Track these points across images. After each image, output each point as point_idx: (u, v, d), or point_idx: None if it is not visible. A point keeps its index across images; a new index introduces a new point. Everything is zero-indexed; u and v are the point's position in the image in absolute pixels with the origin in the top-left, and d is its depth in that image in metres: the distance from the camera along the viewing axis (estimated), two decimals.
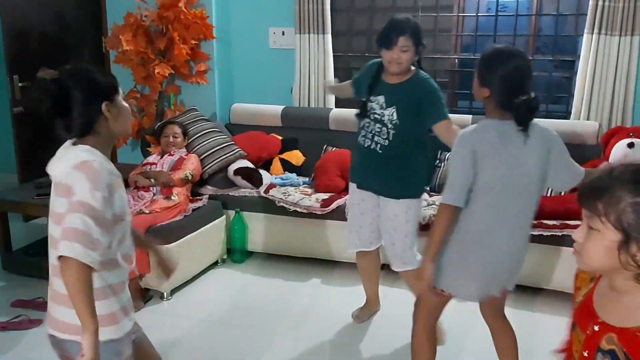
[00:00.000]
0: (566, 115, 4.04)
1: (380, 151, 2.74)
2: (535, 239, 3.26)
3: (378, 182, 2.82)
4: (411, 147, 2.74)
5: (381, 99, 2.73)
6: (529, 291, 3.36)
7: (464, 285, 2.18)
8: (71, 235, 1.49)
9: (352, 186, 2.96)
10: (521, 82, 2.02)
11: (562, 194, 3.45)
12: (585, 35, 3.75)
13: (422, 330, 2.33)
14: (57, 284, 1.64)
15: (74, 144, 1.66)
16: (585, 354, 1.24)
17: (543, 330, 3.02)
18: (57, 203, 1.63)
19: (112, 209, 1.60)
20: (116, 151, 5.03)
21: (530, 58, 4.16)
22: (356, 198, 2.93)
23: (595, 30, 3.69)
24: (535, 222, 3.29)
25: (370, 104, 2.76)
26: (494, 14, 4.18)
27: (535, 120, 2.09)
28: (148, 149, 4.36)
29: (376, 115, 2.74)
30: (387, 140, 2.72)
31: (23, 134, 4.47)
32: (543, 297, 3.36)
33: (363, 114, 2.79)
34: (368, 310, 3.23)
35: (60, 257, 1.49)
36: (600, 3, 3.62)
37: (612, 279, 1.20)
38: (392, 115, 2.69)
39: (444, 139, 2.64)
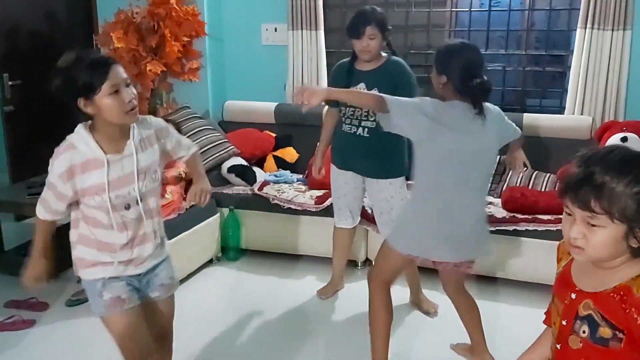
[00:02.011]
0: (560, 110, 4.04)
1: (368, 135, 2.93)
2: (530, 234, 3.29)
3: (367, 165, 3.03)
4: None
5: (362, 85, 2.92)
6: (526, 286, 3.37)
7: (427, 246, 2.34)
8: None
9: (334, 168, 3.17)
10: (474, 69, 2.24)
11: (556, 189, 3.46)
12: (578, 30, 3.76)
13: (377, 294, 2.45)
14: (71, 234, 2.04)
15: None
16: (564, 323, 1.29)
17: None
18: None
19: (73, 186, 1.84)
20: None
21: (524, 53, 4.17)
22: (340, 180, 3.16)
23: (588, 25, 3.69)
24: (529, 217, 3.34)
25: None
26: (487, 9, 4.18)
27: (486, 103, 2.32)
28: None
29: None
30: (374, 122, 2.87)
31: (14, 133, 4.44)
32: (541, 291, 3.36)
33: (346, 103, 2.92)
34: (333, 287, 3.43)
35: None
36: None
37: (605, 267, 1.23)
38: None
39: None
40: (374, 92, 2.86)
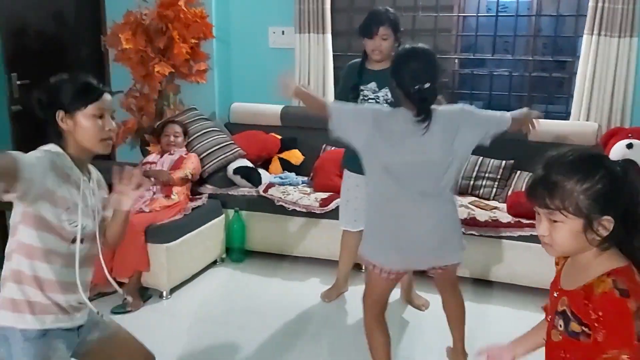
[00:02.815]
0: (565, 116, 4.05)
1: None
2: (535, 239, 3.28)
3: None
4: None
5: (372, 85, 2.95)
6: (531, 291, 3.37)
7: (387, 255, 2.31)
8: None
9: (347, 172, 3.17)
10: (417, 75, 2.19)
11: None
12: (585, 36, 3.77)
13: (369, 318, 2.44)
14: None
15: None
16: (549, 319, 1.42)
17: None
18: None
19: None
20: (115, 150, 5.02)
21: (530, 58, 4.17)
22: (351, 183, 3.11)
23: (595, 32, 3.70)
24: (526, 222, 3.33)
25: (362, 92, 2.95)
26: (494, 14, 4.19)
27: (440, 108, 2.28)
28: (147, 148, 4.36)
29: (371, 99, 2.93)
30: None
31: (21, 133, 4.46)
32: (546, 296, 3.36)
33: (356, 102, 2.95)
34: (336, 290, 3.43)
35: None
36: (599, 4, 3.63)
37: (577, 256, 1.34)
38: (386, 95, 2.92)
39: None
40: (373, 92, 2.92)
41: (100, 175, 1.90)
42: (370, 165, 2.29)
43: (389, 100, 2.89)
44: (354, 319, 3.19)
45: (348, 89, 3.00)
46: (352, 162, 3.03)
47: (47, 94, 1.74)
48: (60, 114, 1.71)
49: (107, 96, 1.77)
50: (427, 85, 2.18)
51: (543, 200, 1.27)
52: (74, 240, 1.71)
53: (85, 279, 1.79)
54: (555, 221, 1.28)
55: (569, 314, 1.32)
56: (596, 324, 1.24)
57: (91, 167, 1.86)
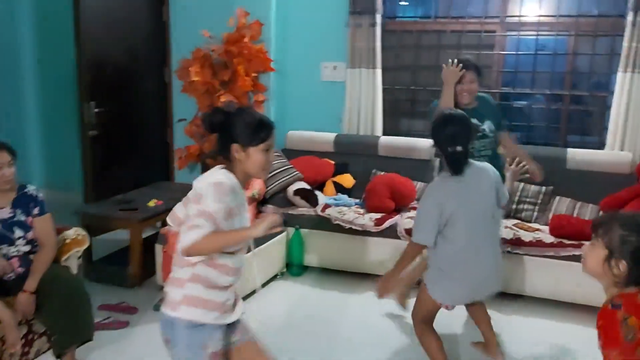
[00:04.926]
0: (600, 146, 4.35)
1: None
2: (577, 259, 3.55)
3: None
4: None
5: (475, 120, 3.18)
6: (572, 307, 3.63)
7: (454, 295, 2.73)
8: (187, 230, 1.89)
9: None
10: (453, 140, 2.59)
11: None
12: (619, 74, 4.10)
13: (421, 331, 2.82)
14: (172, 272, 2.04)
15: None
16: None
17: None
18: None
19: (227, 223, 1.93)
20: (173, 172, 5.42)
21: (567, 93, 4.51)
22: None
23: (629, 69, 4.04)
24: (575, 242, 3.61)
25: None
26: (533, 52, 4.55)
27: (477, 163, 2.72)
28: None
29: (479, 133, 3.25)
30: (490, 150, 3.30)
31: (94, 156, 4.86)
32: (589, 312, 3.60)
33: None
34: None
35: (183, 251, 1.89)
36: (633, 45, 3.98)
37: (602, 284, 1.77)
38: (490, 125, 3.31)
39: (505, 148, 3.34)
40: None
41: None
42: (448, 226, 2.61)
43: (492, 130, 3.32)
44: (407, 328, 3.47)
45: None
46: None
47: (222, 126, 1.99)
48: (234, 147, 1.97)
49: (274, 132, 2.03)
50: (457, 148, 2.58)
51: (595, 228, 1.75)
52: (237, 250, 2.02)
53: (238, 283, 2.10)
54: (593, 245, 1.74)
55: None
56: (599, 332, 1.68)
57: (253, 182, 2.18)
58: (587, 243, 1.79)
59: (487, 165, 2.79)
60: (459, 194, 2.62)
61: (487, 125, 3.32)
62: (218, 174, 1.97)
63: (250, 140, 1.98)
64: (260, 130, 1.99)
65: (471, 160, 2.67)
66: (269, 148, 2.02)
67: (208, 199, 1.88)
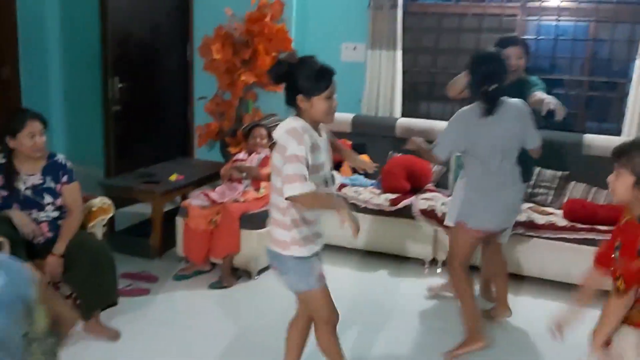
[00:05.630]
0: (618, 132, 4.36)
1: None
2: (589, 242, 3.60)
3: None
4: None
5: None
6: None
7: (487, 219, 2.92)
8: (289, 179, 2.10)
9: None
10: (490, 78, 2.76)
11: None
12: (637, 61, 4.11)
13: (458, 278, 2.99)
14: (274, 214, 2.29)
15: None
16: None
17: None
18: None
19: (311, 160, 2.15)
20: (193, 148, 5.51)
21: (586, 79, 4.52)
22: None
23: None
24: (588, 226, 3.66)
25: None
26: (553, 37, 4.55)
27: (509, 100, 2.85)
28: (227, 149, 4.82)
29: None
30: None
31: (116, 131, 4.96)
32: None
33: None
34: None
35: (287, 197, 2.11)
36: None
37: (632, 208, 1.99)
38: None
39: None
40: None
41: (330, 134, 2.43)
42: (473, 156, 2.85)
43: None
44: (421, 307, 3.56)
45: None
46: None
47: (286, 77, 2.18)
48: (299, 97, 2.17)
49: (334, 80, 2.19)
50: (493, 86, 2.73)
51: (617, 157, 1.97)
52: (325, 184, 2.25)
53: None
54: (618, 173, 1.96)
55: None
56: (620, 243, 1.91)
57: (322, 127, 2.32)
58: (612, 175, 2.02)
59: (519, 103, 2.89)
60: (482, 125, 2.79)
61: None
62: (289, 122, 2.20)
63: (312, 91, 2.15)
64: (321, 80, 2.16)
65: (504, 98, 2.82)
66: (331, 95, 2.19)
67: (292, 144, 2.11)
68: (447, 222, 3.49)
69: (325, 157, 2.26)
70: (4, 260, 1.51)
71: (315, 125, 2.24)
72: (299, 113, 2.23)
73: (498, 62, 2.83)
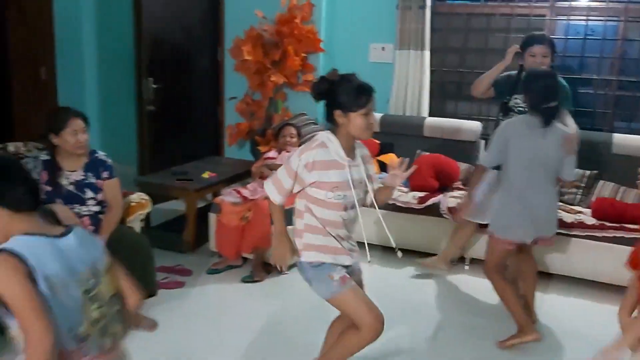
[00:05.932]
0: None
1: None
2: (617, 241, 3.62)
3: None
4: None
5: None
6: (611, 288, 3.69)
7: (515, 230, 2.99)
8: (273, 180, 2.32)
9: None
10: (546, 96, 2.87)
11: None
12: None
13: (494, 280, 3.08)
14: (295, 222, 2.40)
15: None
16: None
17: None
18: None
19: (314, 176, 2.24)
20: (223, 147, 5.63)
21: (615, 79, 4.51)
22: None
23: None
24: (617, 225, 3.67)
25: (513, 101, 3.43)
26: (582, 37, 4.56)
27: (559, 125, 2.97)
28: (258, 147, 4.93)
29: (520, 108, 3.38)
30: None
31: (150, 131, 5.10)
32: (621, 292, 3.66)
33: (506, 111, 3.46)
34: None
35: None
36: None
37: None
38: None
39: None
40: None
41: (365, 151, 2.43)
42: (511, 165, 2.94)
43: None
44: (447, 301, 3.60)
45: (499, 93, 3.56)
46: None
47: (327, 94, 2.25)
48: (337, 113, 2.23)
49: (373, 97, 2.24)
50: (553, 104, 2.86)
51: None
52: (343, 207, 2.30)
53: (351, 232, 2.42)
54: None
55: None
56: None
57: (357, 145, 2.36)
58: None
59: (566, 131, 2.99)
60: (530, 136, 2.90)
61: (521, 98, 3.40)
62: (317, 135, 2.31)
63: (350, 107, 2.20)
64: (359, 97, 2.21)
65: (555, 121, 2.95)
66: (369, 112, 2.23)
67: (296, 154, 2.27)
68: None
69: (344, 178, 2.24)
70: (80, 230, 1.70)
71: (349, 142, 2.28)
72: (336, 129, 2.28)
73: (554, 79, 2.97)
